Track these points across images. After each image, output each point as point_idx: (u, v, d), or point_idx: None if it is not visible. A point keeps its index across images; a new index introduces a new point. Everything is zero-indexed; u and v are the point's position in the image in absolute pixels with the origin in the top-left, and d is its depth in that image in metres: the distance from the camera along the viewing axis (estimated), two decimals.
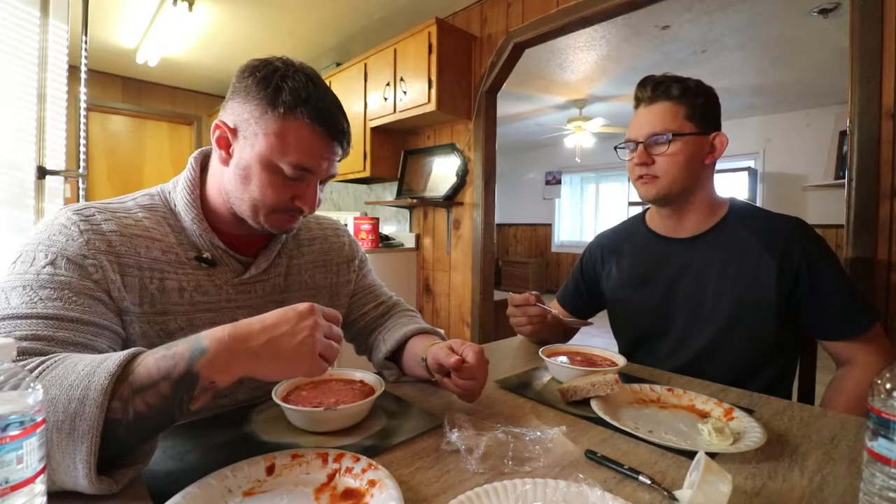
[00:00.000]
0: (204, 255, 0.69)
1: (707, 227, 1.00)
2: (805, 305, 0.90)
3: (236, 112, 0.66)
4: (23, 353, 0.48)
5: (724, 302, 0.94)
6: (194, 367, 0.46)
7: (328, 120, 0.65)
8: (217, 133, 0.67)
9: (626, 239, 1.14)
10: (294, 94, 0.63)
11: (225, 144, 0.67)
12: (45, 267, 0.55)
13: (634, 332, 1.09)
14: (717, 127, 0.97)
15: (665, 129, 0.94)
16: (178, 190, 0.71)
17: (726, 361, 0.95)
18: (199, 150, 0.75)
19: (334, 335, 0.55)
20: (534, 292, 1.03)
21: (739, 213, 0.99)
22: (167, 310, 0.66)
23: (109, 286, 0.60)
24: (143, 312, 0.63)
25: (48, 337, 0.50)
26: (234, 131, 0.66)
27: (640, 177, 0.98)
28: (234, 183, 0.67)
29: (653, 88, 0.97)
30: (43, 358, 0.47)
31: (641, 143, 0.96)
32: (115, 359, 0.45)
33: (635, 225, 1.15)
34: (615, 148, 1.06)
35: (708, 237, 0.99)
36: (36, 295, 0.53)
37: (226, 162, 0.68)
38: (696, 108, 0.94)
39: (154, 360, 0.46)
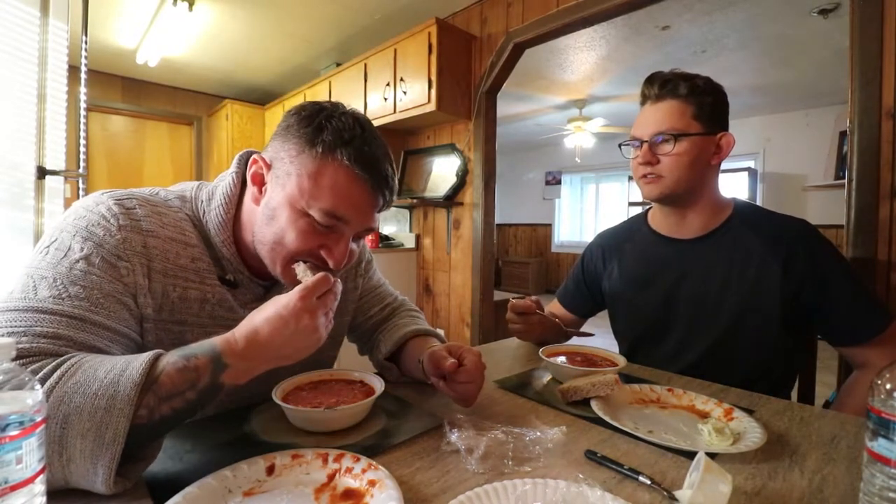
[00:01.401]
0: (227, 277, 0.67)
1: (711, 229, 0.98)
2: (813, 311, 0.88)
3: (274, 150, 0.63)
4: (39, 353, 0.47)
5: (726, 305, 0.93)
6: (219, 379, 0.49)
7: (371, 165, 0.60)
8: (253, 168, 0.64)
9: (628, 239, 1.12)
10: (336, 133, 0.59)
11: (259, 181, 0.64)
12: (78, 262, 0.54)
13: (635, 334, 1.08)
14: (725, 127, 0.95)
15: (671, 129, 0.91)
16: (212, 205, 0.67)
17: (728, 366, 0.93)
18: (242, 157, 0.69)
19: (329, 306, 0.55)
20: (534, 298, 1.02)
21: (744, 215, 0.98)
22: (185, 320, 0.63)
23: (137, 290, 0.58)
24: (160, 319, 0.61)
25: (68, 337, 0.50)
26: (269, 167, 0.63)
27: (644, 176, 0.96)
28: (259, 224, 0.64)
29: (660, 86, 0.94)
30: (57, 362, 0.46)
31: (646, 141, 0.94)
32: (136, 367, 0.46)
33: (637, 224, 1.13)
34: (619, 145, 1.03)
35: (712, 239, 0.98)
36: (66, 291, 0.52)
37: (257, 202, 0.64)
38: (703, 107, 0.92)
39: (176, 371, 0.48)
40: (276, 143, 0.63)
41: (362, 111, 2.90)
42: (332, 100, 0.66)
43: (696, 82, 0.93)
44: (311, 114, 0.62)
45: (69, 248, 0.55)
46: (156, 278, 0.60)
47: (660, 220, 1.07)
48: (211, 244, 0.66)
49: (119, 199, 0.60)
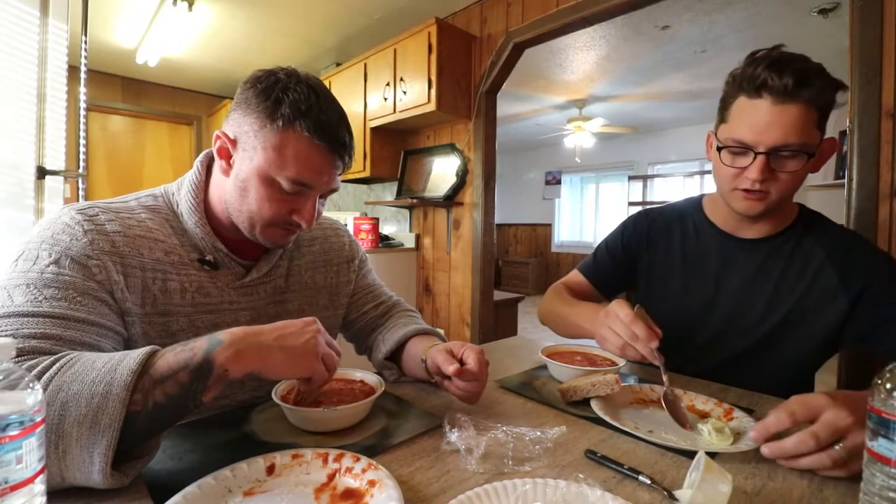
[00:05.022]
0: (206, 258, 0.69)
1: (775, 232, 0.90)
2: (868, 325, 0.80)
3: (237, 123, 0.65)
4: (33, 352, 0.48)
5: (773, 311, 0.87)
6: (210, 355, 0.49)
7: (328, 133, 0.63)
8: (218, 143, 0.67)
9: (680, 224, 1.02)
10: (294, 106, 0.61)
11: (226, 155, 0.67)
12: (48, 266, 0.55)
13: (664, 323, 0.94)
14: None
15: (800, 143, 0.74)
16: (182, 192, 0.70)
17: (753, 378, 0.87)
18: (206, 152, 0.73)
19: (334, 347, 0.61)
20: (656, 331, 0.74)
21: (807, 221, 0.90)
22: (169, 311, 0.66)
23: (113, 287, 0.59)
24: (145, 313, 0.63)
25: (57, 336, 0.51)
26: (235, 143, 0.65)
27: (747, 190, 0.80)
28: (232, 194, 0.67)
29: (797, 83, 0.73)
30: (56, 356, 0.47)
31: (762, 153, 0.75)
32: (135, 356, 0.47)
33: (690, 209, 1.02)
34: (719, 149, 0.82)
35: (774, 242, 0.90)
36: (40, 294, 0.53)
37: (226, 172, 0.67)
38: (825, 113, 0.77)
39: (173, 355, 0.49)
40: (237, 117, 0.65)
41: (362, 111, 2.92)
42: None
43: (831, 81, 0.75)
44: (268, 87, 0.63)
45: (37, 257, 0.56)
46: (132, 273, 0.62)
47: (722, 214, 0.95)
48: (184, 233, 0.69)
49: (81, 209, 0.62)
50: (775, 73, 0.73)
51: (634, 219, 1.08)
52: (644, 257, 1.04)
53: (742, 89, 0.78)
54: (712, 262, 0.95)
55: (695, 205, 1.02)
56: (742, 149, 0.78)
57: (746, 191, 0.80)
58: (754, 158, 0.76)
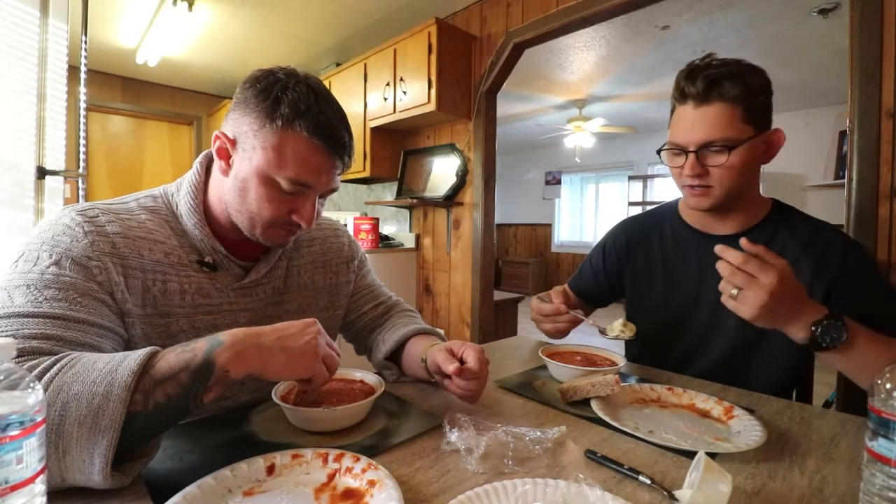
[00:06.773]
0: (206, 260, 0.69)
1: (748, 227, 0.92)
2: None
3: (236, 124, 0.65)
4: (33, 353, 0.48)
5: None
6: (211, 356, 0.50)
7: (328, 133, 0.63)
8: (217, 144, 0.66)
9: (657, 230, 1.05)
10: (293, 106, 0.61)
11: (225, 155, 0.67)
12: (49, 267, 0.55)
13: (652, 330, 1.00)
14: (771, 121, 0.85)
15: (722, 138, 0.81)
16: (181, 193, 0.70)
17: (744, 377, 0.89)
18: (205, 153, 0.73)
19: (334, 348, 0.61)
20: (559, 289, 0.95)
21: (781, 215, 0.93)
22: (169, 312, 0.66)
23: (113, 288, 0.60)
24: (145, 314, 0.63)
25: (57, 336, 0.51)
26: (234, 143, 0.65)
27: (691, 186, 0.87)
28: (232, 194, 0.66)
29: (707, 87, 0.81)
30: (57, 357, 0.47)
31: (692, 151, 0.83)
32: (136, 356, 0.47)
33: (667, 215, 1.05)
34: (658, 152, 0.92)
35: (748, 238, 0.91)
36: (41, 294, 0.53)
37: (225, 173, 0.67)
38: (754, 108, 0.81)
39: (174, 356, 0.49)
40: (236, 117, 0.65)
41: (362, 111, 2.92)
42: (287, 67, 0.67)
43: (749, 82, 0.81)
44: (267, 87, 0.63)
45: (38, 258, 0.56)
46: (133, 274, 0.62)
47: (694, 215, 0.99)
48: (183, 234, 0.69)
49: (81, 210, 0.62)
50: (688, 81, 0.83)
51: (614, 233, 1.14)
52: (626, 268, 1.09)
53: (675, 99, 0.88)
54: (691, 263, 0.98)
55: (671, 208, 1.07)
56: (678, 150, 0.87)
57: (690, 186, 0.88)
58: (686, 157, 0.85)
